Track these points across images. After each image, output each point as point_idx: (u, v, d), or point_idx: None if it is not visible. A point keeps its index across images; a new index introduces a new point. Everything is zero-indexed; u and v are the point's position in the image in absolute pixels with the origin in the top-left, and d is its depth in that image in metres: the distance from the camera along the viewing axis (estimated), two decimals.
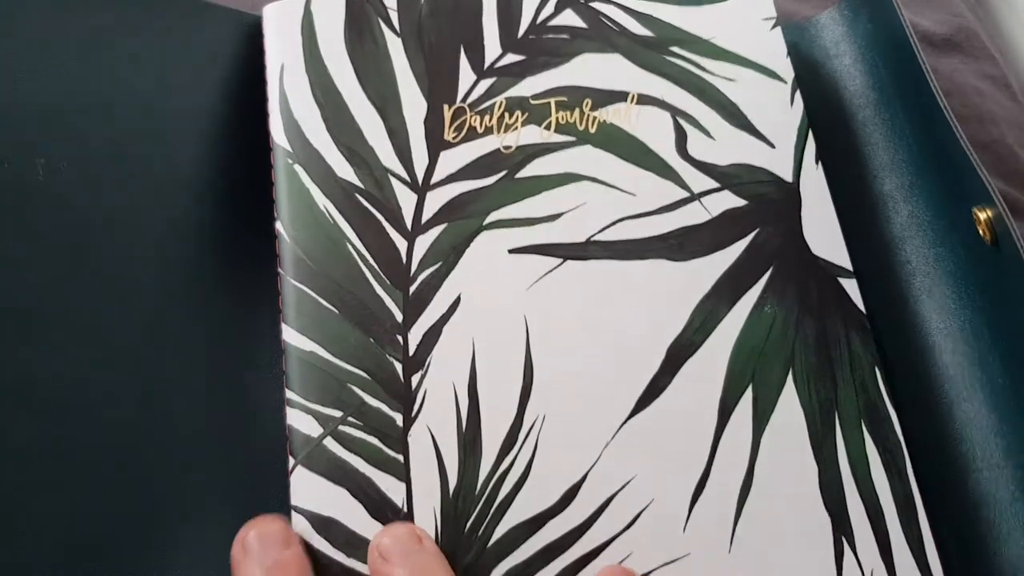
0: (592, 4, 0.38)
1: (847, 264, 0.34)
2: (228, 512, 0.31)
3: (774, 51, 0.37)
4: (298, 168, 0.34)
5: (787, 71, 0.37)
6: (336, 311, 0.33)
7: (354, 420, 0.32)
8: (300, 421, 0.32)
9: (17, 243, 0.29)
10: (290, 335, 0.33)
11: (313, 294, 0.33)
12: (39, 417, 0.28)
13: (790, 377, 0.33)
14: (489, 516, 0.31)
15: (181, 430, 0.31)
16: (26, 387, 0.29)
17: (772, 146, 0.36)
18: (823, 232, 0.35)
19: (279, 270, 0.33)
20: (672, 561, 0.31)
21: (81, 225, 0.31)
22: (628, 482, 0.32)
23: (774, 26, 0.38)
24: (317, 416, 0.32)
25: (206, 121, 0.35)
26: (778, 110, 0.37)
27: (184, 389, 0.32)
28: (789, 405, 0.33)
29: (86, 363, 0.30)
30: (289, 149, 0.35)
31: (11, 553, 0.27)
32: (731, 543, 0.31)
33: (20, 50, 0.31)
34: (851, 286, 0.34)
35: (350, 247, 0.34)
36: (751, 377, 0.33)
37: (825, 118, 0.39)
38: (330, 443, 0.32)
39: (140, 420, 0.31)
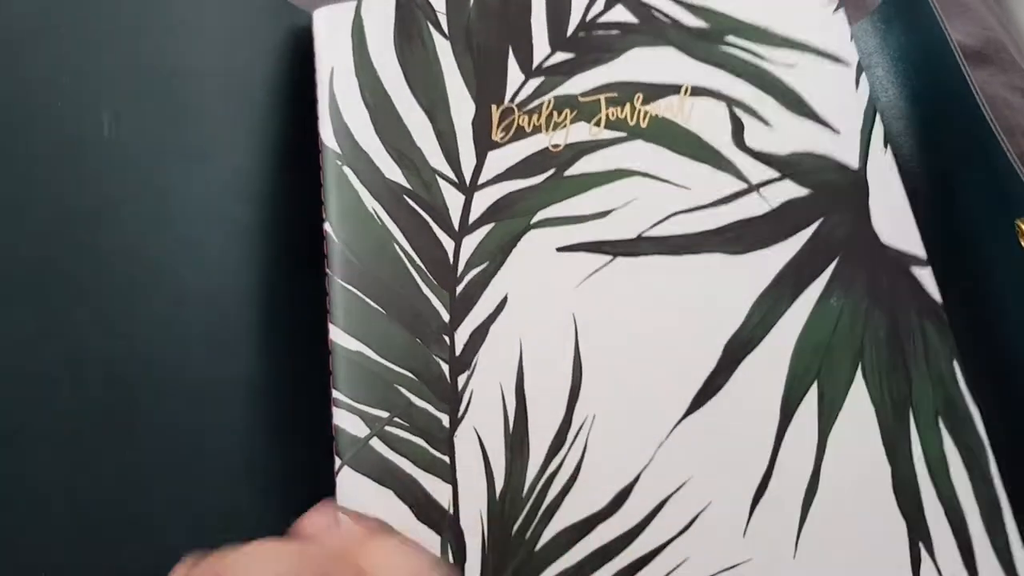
0: None
1: (921, 253, 0.32)
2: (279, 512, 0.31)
3: (837, 34, 0.36)
4: (347, 170, 0.35)
5: (851, 54, 0.35)
6: (383, 311, 0.33)
7: (400, 421, 0.31)
8: (347, 421, 0.31)
9: (85, 196, 0.29)
10: (337, 335, 0.32)
11: (360, 294, 0.33)
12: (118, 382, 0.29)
13: (859, 372, 0.31)
14: (537, 519, 0.30)
15: (237, 423, 0.31)
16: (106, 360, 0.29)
17: (836, 132, 0.34)
18: (893, 220, 0.33)
19: (327, 270, 0.33)
20: (732, 567, 0.29)
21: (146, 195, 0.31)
22: (683, 484, 0.30)
23: (836, 8, 0.36)
24: (364, 416, 0.31)
25: (257, 112, 0.36)
26: (842, 95, 0.35)
27: (240, 362, 0.32)
28: (858, 402, 0.31)
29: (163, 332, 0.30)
30: (338, 151, 0.35)
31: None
32: (796, 548, 0.29)
33: (96, 14, 0.31)
34: (926, 275, 0.32)
35: (397, 248, 0.33)
36: (816, 373, 0.31)
37: None
38: (376, 444, 0.31)
39: (203, 393, 0.30)
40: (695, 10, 0.37)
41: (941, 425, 0.30)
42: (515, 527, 0.30)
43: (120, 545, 0.27)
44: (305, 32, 0.38)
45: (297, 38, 0.38)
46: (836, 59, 0.35)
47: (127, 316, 0.29)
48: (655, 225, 0.33)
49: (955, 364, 0.31)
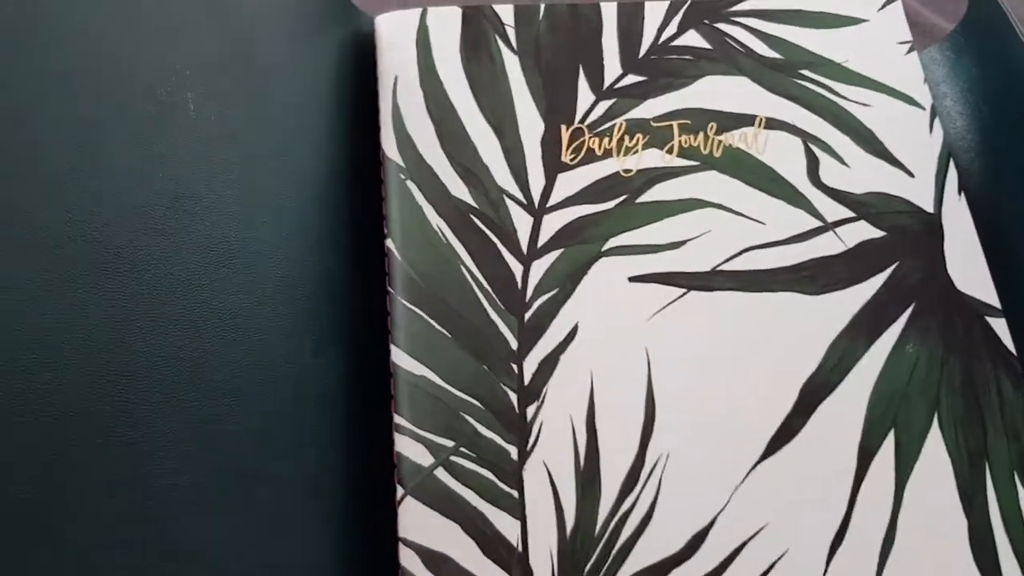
0: (717, 25, 0.36)
1: (995, 302, 0.32)
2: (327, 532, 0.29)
3: (911, 76, 0.35)
4: (411, 184, 0.33)
5: (925, 97, 0.35)
6: (449, 335, 0.31)
7: (466, 451, 0.30)
8: (410, 449, 0.30)
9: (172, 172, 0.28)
10: (400, 358, 0.31)
11: (425, 316, 0.31)
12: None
13: (935, 422, 0.31)
14: (610, 560, 0.29)
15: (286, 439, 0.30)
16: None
17: (911, 175, 0.34)
18: (968, 267, 0.33)
19: (389, 288, 0.32)
20: None
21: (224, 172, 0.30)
22: (760, 530, 0.29)
23: (910, 50, 0.36)
24: (428, 444, 0.30)
25: (320, 116, 0.34)
26: (916, 137, 0.34)
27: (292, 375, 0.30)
28: (935, 452, 0.30)
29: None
30: (402, 164, 0.33)
31: None
32: None
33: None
34: (1000, 326, 0.32)
35: (464, 269, 0.32)
36: (893, 420, 0.31)
37: None
38: (441, 473, 0.30)
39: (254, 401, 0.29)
40: (770, 40, 0.36)
41: (1016, 479, 0.30)
42: (587, 568, 0.29)
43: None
44: (367, 38, 0.36)
45: (360, 43, 0.36)
46: (911, 101, 0.35)
47: (204, 305, 0.28)
48: (729, 259, 0.32)
49: None
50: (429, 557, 0.29)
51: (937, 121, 0.35)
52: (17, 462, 0.23)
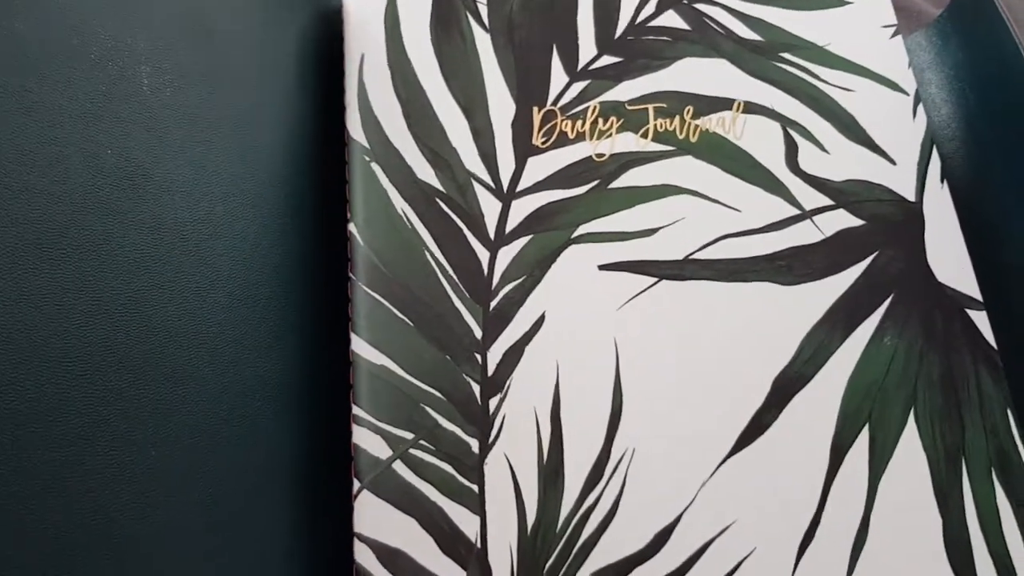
0: (696, 5, 0.35)
1: (976, 294, 0.31)
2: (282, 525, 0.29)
3: (895, 60, 0.34)
4: (376, 167, 0.32)
5: (909, 82, 0.34)
6: (411, 324, 0.30)
7: (426, 443, 0.29)
8: (368, 441, 0.29)
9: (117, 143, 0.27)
10: (360, 346, 0.30)
11: (387, 304, 0.30)
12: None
13: (911, 417, 0.30)
14: (571, 557, 0.28)
15: (260, 430, 0.29)
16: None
17: (893, 162, 0.33)
18: (949, 257, 0.32)
19: (350, 275, 0.31)
20: None
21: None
22: (727, 527, 0.28)
23: (894, 34, 0.35)
24: (386, 436, 0.29)
25: (283, 91, 0.33)
26: (899, 124, 0.33)
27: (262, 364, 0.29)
28: (910, 448, 0.29)
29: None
30: (367, 146, 0.32)
31: None
32: None
33: None
34: (981, 319, 0.31)
35: (428, 255, 0.31)
36: (868, 415, 0.30)
37: None
38: (399, 467, 0.29)
39: (223, 389, 0.28)
40: (750, 21, 0.35)
41: (994, 477, 0.29)
42: (547, 565, 0.28)
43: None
44: (336, 14, 0.35)
45: (327, 19, 0.35)
46: (894, 86, 0.34)
47: (155, 288, 0.27)
48: (703, 247, 0.31)
49: (1009, 414, 0.30)
50: (385, 553, 0.28)
51: (921, 107, 0.34)
52: None
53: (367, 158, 0.32)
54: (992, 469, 0.29)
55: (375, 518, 0.28)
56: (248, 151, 0.31)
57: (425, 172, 0.32)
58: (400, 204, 0.32)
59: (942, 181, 0.33)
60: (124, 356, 0.26)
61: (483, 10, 0.34)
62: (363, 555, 0.28)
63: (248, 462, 0.28)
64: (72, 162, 0.26)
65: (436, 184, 0.32)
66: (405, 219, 0.31)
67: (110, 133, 0.27)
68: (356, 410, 0.29)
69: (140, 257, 0.27)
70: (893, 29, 0.35)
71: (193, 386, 0.28)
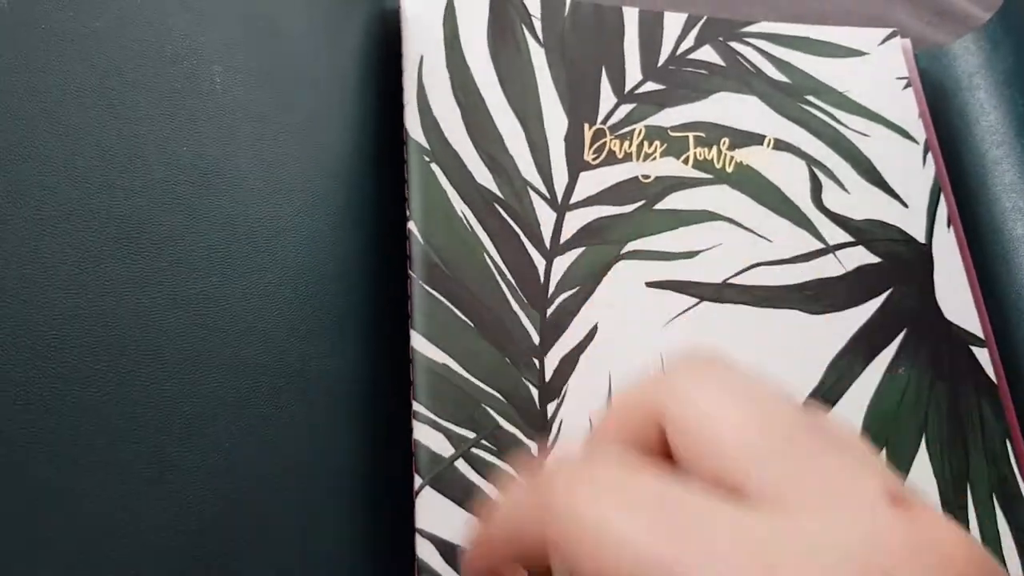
0: (731, 44, 0.37)
1: (979, 332, 0.34)
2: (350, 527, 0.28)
3: (907, 111, 0.37)
4: (435, 167, 0.32)
5: (919, 132, 0.37)
6: (471, 324, 0.30)
7: (487, 443, 0.29)
8: (429, 438, 0.29)
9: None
10: (420, 343, 0.30)
11: (446, 302, 0.31)
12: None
13: (923, 444, 0.32)
14: None
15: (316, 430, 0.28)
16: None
17: (905, 205, 0.36)
18: (955, 297, 0.35)
19: (409, 272, 0.31)
20: None
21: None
22: None
23: (906, 86, 0.38)
24: (448, 434, 0.29)
25: (345, 90, 0.33)
26: (911, 169, 0.36)
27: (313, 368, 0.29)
28: (922, 474, 0.32)
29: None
30: (427, 146, 0.32)
31: None
32: None
33: None
34: (983, 355, 0.34)
35: (487, 258, 0.31)
36: (884, 442, 0.32)
37: (952, 153, 0.38)
38: (461, 465, 0.29)
39: (280, 388, 0.28)
40: (779, 64, 0.37)
41: (995, 502, 0.32)
42: None
43: None
44: (392, 14, 0.35)
45: (385, 20, 0.35)
46: (906, 135, 0.37)
47: (226, 283, 0.27)
48: (739, 273, 0.33)
49: (1007, 443, 0.33)
50: (446, 549, 0.28)
51: (930, 155, 0.37)
52: (37, 442, 0.22)
53: (427, 158, 0.32)
54: (993, 495, 0.32)
55: (437, 514, 0.28)
56: (313, 149, 0.30)
57: (483, 176, 0.32)
58: (459, 205, 0.32)
59: (949, 226, 0.36)
60: (200, 349, 0.26)
61: (537, 24, 0.35)
62: (425, 550, 0.28)
63: (310, 453, 0.28)
64: (149, 159, 0.26)
65: (494, 189, 0.32)
66: (464, 220, 0.32)
67: (184, 130, 0.27)
68: (416, 406, 0.29)
69: (213, 252, 0.27)
70: (905, 81, 0.38)
71: (265, 380, 0.27)
